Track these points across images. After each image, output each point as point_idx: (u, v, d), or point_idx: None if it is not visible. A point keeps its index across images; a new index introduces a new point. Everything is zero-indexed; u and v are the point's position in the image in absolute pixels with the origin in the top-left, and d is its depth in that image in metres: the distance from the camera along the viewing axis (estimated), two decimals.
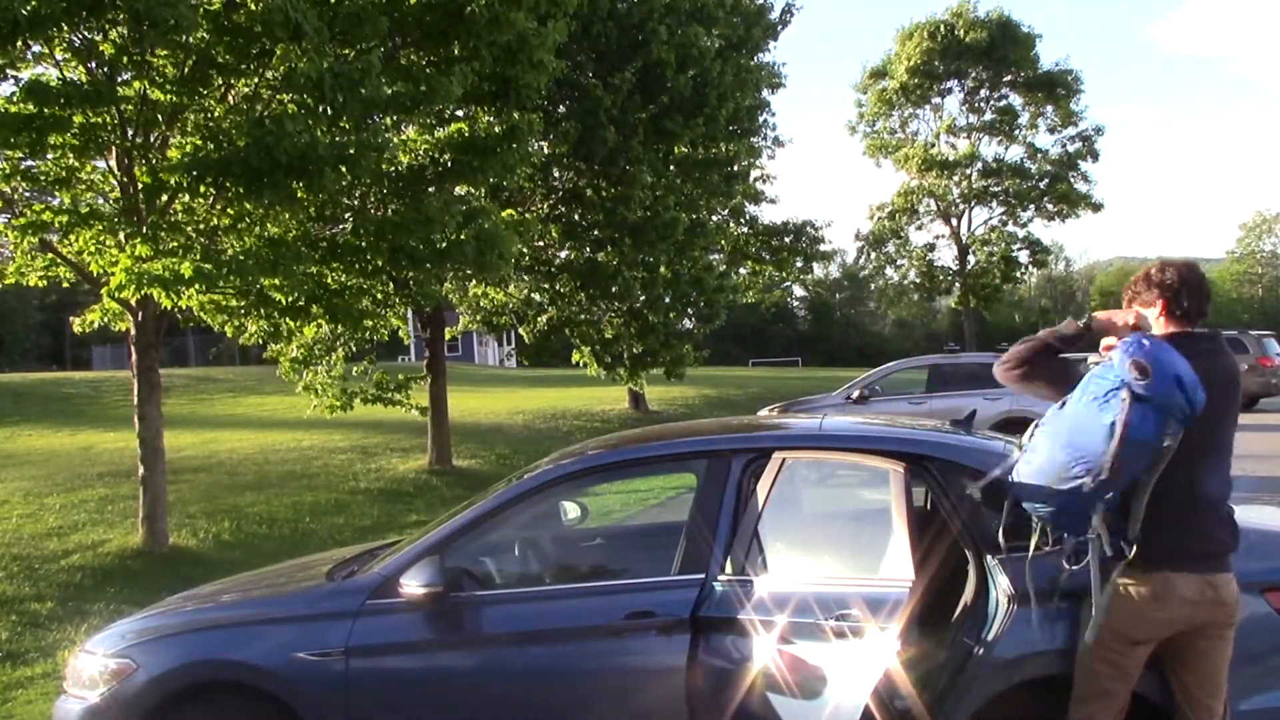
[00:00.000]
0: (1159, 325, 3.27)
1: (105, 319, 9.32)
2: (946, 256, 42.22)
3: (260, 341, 11.42)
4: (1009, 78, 39.61)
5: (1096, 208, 40.28)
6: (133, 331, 8.92)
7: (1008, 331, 51.39)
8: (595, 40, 16.55)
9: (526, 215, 13.63)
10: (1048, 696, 3.29)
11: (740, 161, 20.23)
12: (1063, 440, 3.10)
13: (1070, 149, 40.16)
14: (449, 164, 10.77)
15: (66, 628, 7.10)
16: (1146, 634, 3.15)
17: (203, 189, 8.19)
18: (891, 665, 3.28)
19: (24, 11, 6.80)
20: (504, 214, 11.51)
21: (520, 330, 19.94)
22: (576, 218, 17.73)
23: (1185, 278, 3.22)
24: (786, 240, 25.47)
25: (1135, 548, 3.09)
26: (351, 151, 8.20)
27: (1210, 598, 3.12)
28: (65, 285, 9.80)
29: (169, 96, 8.08)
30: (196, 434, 15.59)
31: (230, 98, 8.71)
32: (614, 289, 17.52)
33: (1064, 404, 3.18)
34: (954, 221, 41.29)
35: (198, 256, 7.84)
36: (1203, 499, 3.18)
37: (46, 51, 8.02)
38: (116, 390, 20.87)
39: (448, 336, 16.02)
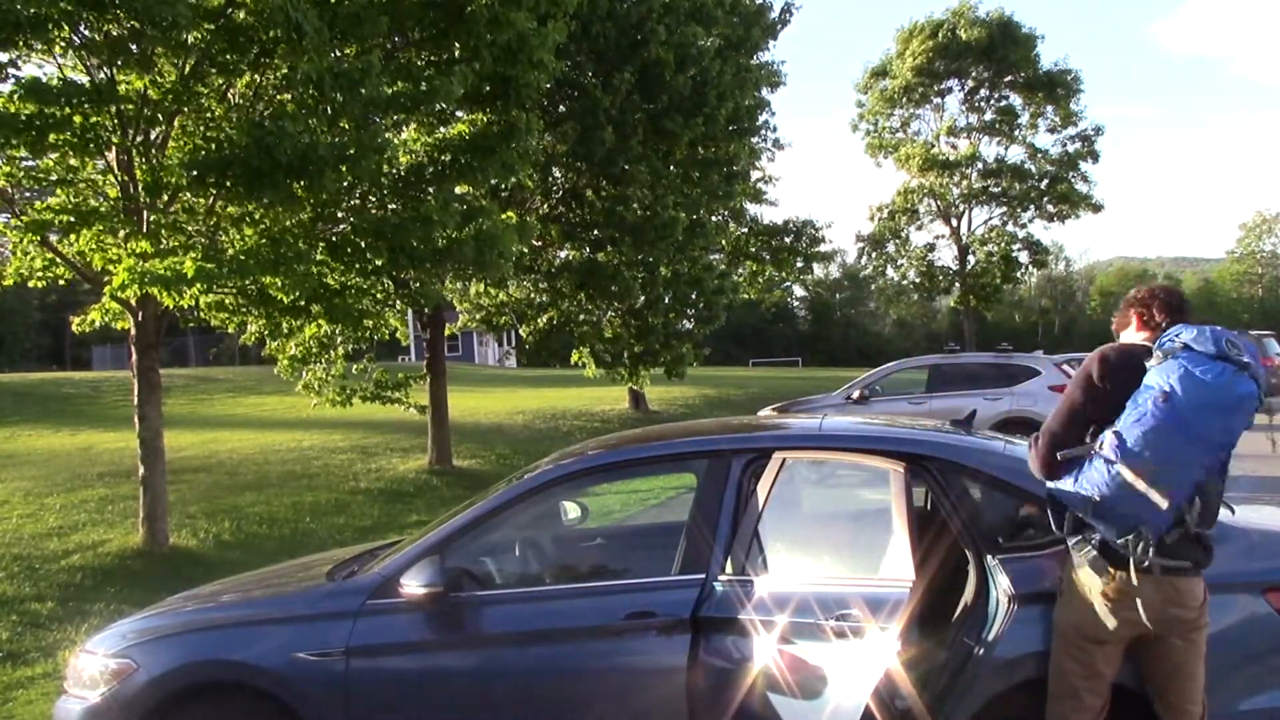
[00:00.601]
0: (1132, 336, 3.40)
1: (105, 318, 9.31)
2: (946, 256, 42.29)
3: (260, 339, 11.39)
4: (1009, 78, 39.62)
5: (1096, 208, 40.29)
6: (133, 331, 8.92)
7: (1008, 331, 51.40)
8: (594, 40, 16.55)
9: (526, 218, 13.61)
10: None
11: (740, 162, 20.22)
12: (1185, 429, 3.02)
13: (1070, 149, 40.18)
14: (448, 163, 10.77)
15: (67, 628, 7.10)
16: (1108, 634, 3.14)
17: (203, 188, 8.20)
18: (891, 665, 3.28)
19: (26, 14, 6.80)
20: (504, 215, 11.49)
21: (520, 330, 19.95)
22: (576, 218, 17.73)
23: (1156, 293, 3.40)
24: (786, 240, 25.46)
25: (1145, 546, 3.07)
26: (351, 151, 8.20)
27: (1172, 598, 3.12)
28: (64, 285, 9.77)
29: (168, 96, 8.09)
30: (196, 434, 15.59)
31: (230, 97, 8.71)
32: (614, 289, 17.52)
33: (1162, 401, 3.04)
34: (954, 221, 41.32)
35: (199, 255, 7.85)
36: None
37: (46, 50, 8.02)
38: (116, 390, 20.87)
39: (448, 333, 16.01)
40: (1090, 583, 3.15)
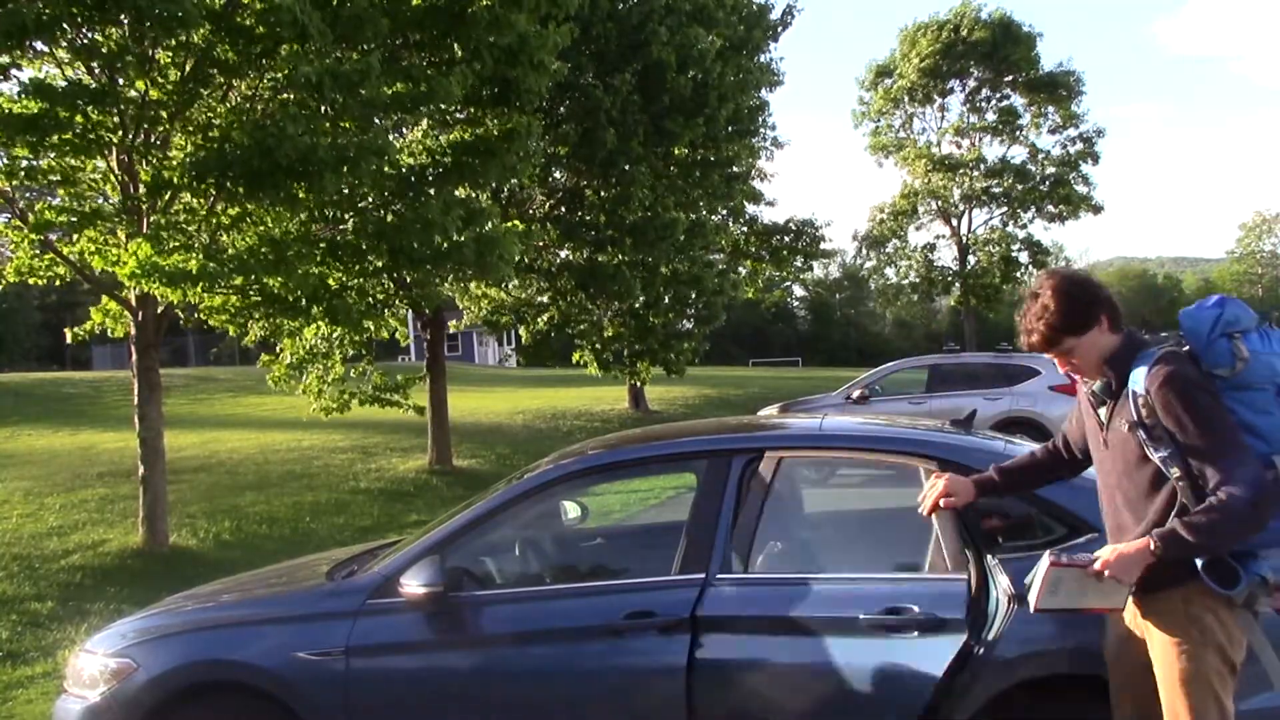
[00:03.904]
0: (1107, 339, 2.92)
1: (104, 319, 9.29)
2: (946, 257, 42.30)
3: (260, 340, 11.35)
4: (1010, 78, 39.63)
5: (1097, 210, 40.29)
6: (133, 332, 8.92)
7: (1007, 331, 51.34)
8: (596, 41, 16.57)
9: (531, 227, 13.62)
10: (1048, 696, 3.28)
11: (740, 162, 20.23)
12: None
13: (1071, 150, 40.18)
14: (450, 165, 10.76)
15: (66, 627, 7.10)
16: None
17: (204, 189, 8.20)
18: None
19: (33, 16, 6.81)
20: (508, 225, 11.48)
21: (520, 330, 19.97)
22: (576, 218, 17.75)
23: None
24: (786, 240, 25.47)
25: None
26: (352, 154, 8.20)
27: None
28: (63, 285, 9.75)
29: (170, 97, 8.08)
30: (196, 434, 15.59)
31: (231, 98, 8.71)
32: (614, 289, 17.54)
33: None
34: (954, 222, 41.33)
35: (199, 255, 7.85)
36: None
37: (49, 51, 8.03)
38: (116, 390, 20.87)
39: (454, 329, 16.01)
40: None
